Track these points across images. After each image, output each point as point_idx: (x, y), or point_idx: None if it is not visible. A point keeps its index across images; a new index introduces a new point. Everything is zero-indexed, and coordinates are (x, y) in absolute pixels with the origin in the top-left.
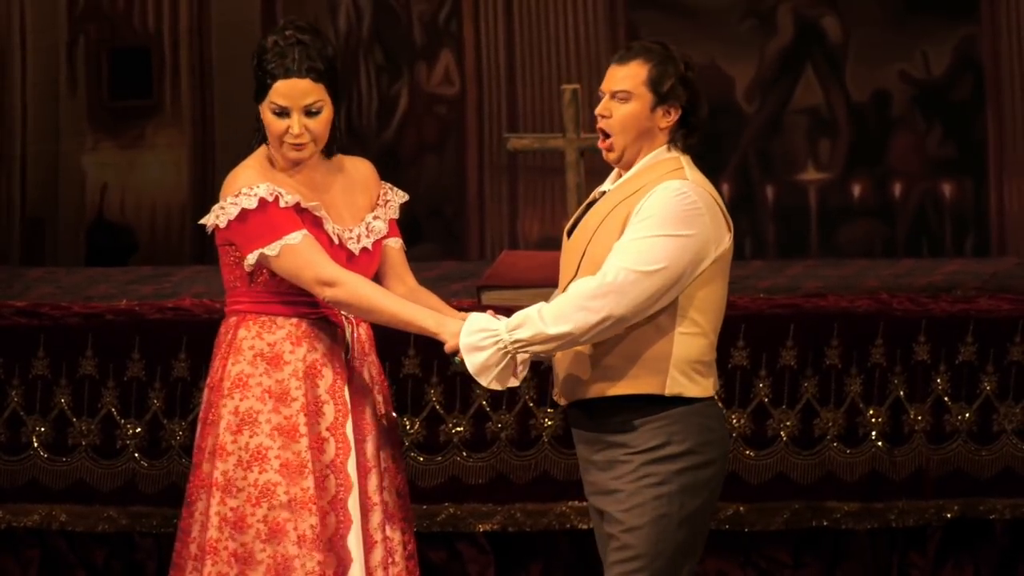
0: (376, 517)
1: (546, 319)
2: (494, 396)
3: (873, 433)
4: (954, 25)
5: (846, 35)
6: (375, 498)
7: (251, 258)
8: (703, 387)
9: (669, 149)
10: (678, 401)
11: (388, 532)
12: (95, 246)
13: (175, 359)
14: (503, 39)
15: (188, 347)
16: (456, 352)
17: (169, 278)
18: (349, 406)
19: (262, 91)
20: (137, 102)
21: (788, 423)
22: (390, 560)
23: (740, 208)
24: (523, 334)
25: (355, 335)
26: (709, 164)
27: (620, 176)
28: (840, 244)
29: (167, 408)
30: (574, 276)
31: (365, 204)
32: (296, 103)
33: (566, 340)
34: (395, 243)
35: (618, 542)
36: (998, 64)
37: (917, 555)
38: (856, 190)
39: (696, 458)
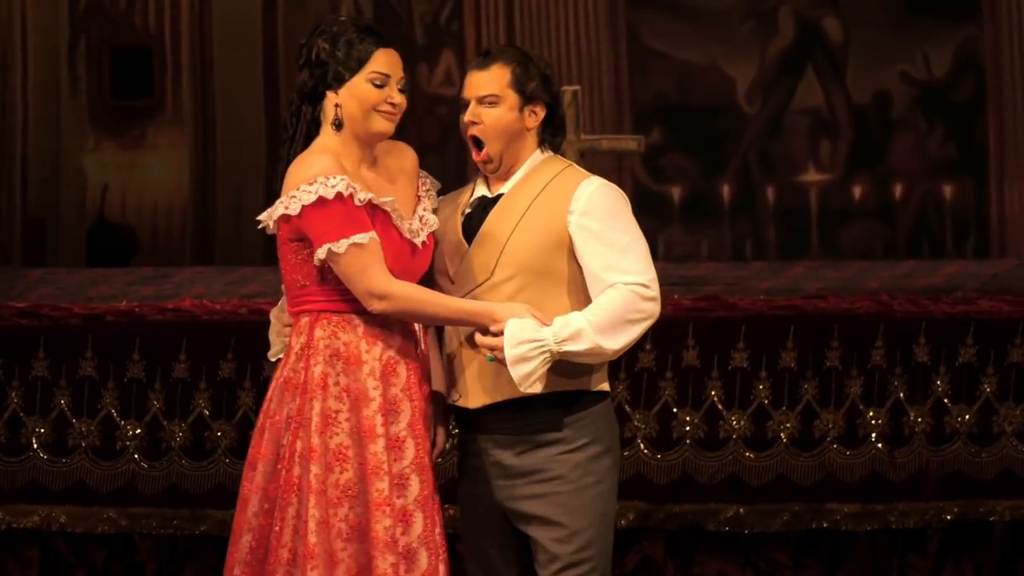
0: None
1: (601, 335)
2: None
3: (873, 435)
4: (955, 27)
5: (847, 36)
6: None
7: (320, 252)
8: (608, 382)
9: (543, 150)
10: (599, 397)
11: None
12: (96, 247)
13: (175, 360)
14: (504, 39)
15: (188, 348)
16: (492, 352)
17: (170, 279)
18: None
19: (355, 65)
20: (138, 102)
21: (788, 424)
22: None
23: (741, 209)
24: (576, 347)
25: (425, 329)
26: (710, 165)
27: (501, 181)
28: (840, 245)
29: (167, 409)
30: (489, 278)
31: (412, 193)
32: (396, 73)
33: (610, 354)
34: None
35: (567, 547)
36: (999, 66)
37: (917, 557)
38: (857, 191)
39: (615, 453)
